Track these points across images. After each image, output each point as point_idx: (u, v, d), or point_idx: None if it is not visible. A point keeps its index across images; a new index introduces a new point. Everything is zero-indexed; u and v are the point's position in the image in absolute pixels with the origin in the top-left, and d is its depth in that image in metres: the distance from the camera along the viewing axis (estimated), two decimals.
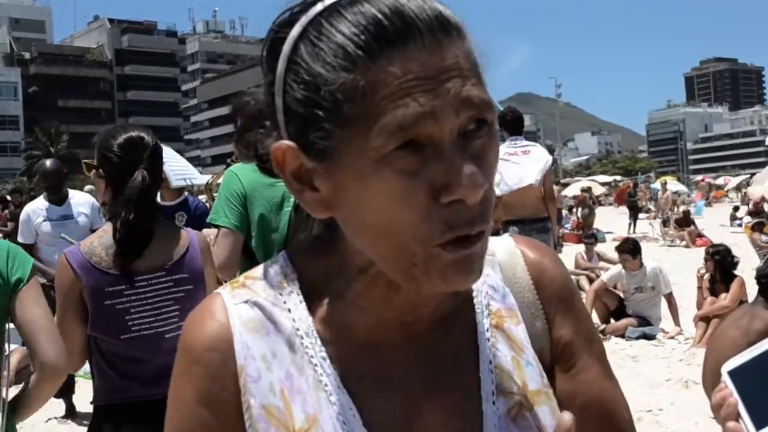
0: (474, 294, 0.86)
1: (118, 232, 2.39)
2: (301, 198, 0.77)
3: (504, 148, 5.84)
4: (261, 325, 0.80)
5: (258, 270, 0.85)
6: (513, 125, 6.14)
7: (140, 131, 2.53)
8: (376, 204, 0.70)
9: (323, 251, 0.83)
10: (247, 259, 3.10)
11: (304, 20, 0.73)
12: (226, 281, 4.84)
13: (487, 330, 0.85)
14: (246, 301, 0.81)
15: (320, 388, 0.78)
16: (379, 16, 0.69)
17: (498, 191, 5.72)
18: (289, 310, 0.81)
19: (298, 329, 0.80)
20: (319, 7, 0.73)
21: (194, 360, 0.80)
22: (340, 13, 0.71)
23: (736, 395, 0.84)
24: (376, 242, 0.73)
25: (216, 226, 3.10)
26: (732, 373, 0.85)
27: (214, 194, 4.35)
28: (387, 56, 0.68)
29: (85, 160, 2.65)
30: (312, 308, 0.81)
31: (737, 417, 0.83)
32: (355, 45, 0.69)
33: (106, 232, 2.48)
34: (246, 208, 3.01)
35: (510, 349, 0.85)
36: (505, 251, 0.89)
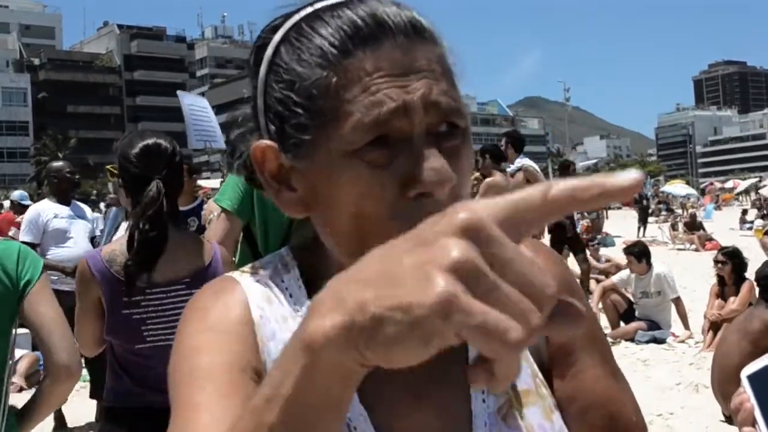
0: None
1: (132, 244, 2.37)
2: (278, 197, 0.79)
3: (532, 165, 6.26)
4: (269, 297, 0.84)
5: (260, 262, 0.89)
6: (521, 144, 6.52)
7: (158, 138, 2.49)
8: (345, 197, 0.72)
9: (322, 245, 0.86)
10: (248, 247, 3.17)
11: (287, 25, 0.78)
12: None
13: None
14: (254, 280, 0.85)
15: None
16: (355, 17, 0.73)
17: None
18: (291, 295, 0.84)
19: (297, 310, 0.83)
20: (301, 14, 0.77)
21: (225, 332, 0.79)
22: (320, 18, 0.75)
23: (753, 400, 0.82)
24: (347, 240, 0.74)
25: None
26: (751, 378, 0.83)
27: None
28: (359, 54, 0.71)
29: (109, 167, 2.65)
30: (311, 294, 0.83)
31: (754, 422, 0.82)
32: (329, 44, 0.72)
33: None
34: (252, 197, 3.07)
35: None
36: None
